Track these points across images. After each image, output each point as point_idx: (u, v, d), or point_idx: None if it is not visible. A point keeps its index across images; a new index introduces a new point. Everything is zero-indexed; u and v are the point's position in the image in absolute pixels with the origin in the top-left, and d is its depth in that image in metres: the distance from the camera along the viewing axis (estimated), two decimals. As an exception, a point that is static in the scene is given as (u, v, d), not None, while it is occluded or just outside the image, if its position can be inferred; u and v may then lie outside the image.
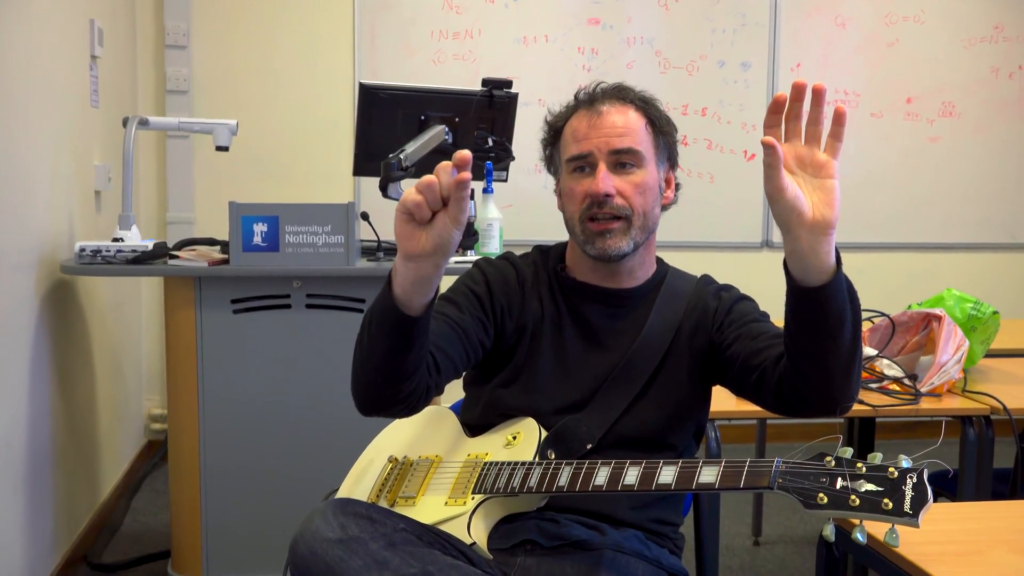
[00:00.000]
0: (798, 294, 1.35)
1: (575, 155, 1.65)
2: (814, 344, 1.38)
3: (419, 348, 1.43)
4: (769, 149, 1.26)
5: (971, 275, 4.77)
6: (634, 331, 1.68)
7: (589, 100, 1.68)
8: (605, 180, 1.61)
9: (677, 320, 1.68)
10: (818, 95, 1.28)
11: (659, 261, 1.78)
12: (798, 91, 1.28)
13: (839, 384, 1.40)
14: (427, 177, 1.28)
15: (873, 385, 2.30)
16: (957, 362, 2.29)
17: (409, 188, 1.31)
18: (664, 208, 1.72)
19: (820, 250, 1.31)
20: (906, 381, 2.30)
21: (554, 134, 1.73)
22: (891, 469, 1.21)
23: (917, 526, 1.17)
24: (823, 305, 1.34)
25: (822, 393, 1.42)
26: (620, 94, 1.69)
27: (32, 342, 2.70)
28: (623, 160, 1.63)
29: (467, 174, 1.26)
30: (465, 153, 1.26)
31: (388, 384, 1.45)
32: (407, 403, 1.50)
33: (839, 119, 1.30)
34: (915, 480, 1.19)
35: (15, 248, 2.59)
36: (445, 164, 1.28)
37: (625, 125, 1.64)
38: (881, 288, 4.59)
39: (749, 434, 3.63)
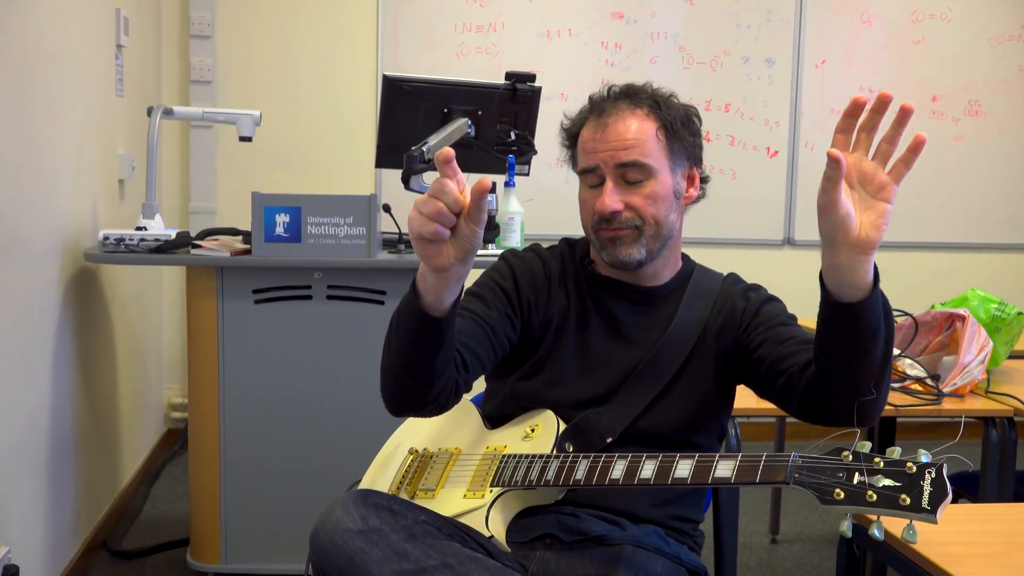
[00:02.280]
0: (832, 308, 1.33)
1: (584, 168, 1.64)
2: (844, 358, 1.37)
3: (447, 348, 1.42)
4: (833, 163, 1.21)
5: (995, 275, 4.73)
6: (660, 327, 1.67)
7: (598, 108, 1.65)
8: (611, 197, 1.59)
9: (704, 318, 1.67)
10: (904, 115, 1.24)
11: (685, 258, 1.77)
12: (883, 103, 1.24)
13: (865, 394, 1.39)
14: (431, 202, 1.22)
15: (895, 384, 2.29)
16: (980, 363, 2.27)
17: (415, 211, 1.24)
18: (689, 205, 1.70)
19: (859, 268, 1.29)
20: (928, 381, 2.28)
21: (571, 139, 1.71)
22: (909, 464, 1.19)
23: (935, 522, 1.16)
24: (857, 322, 1.32)
25: (848, 405, 1.40)
26: (631, 97, 1.64)
27: (55, 329, 2.72)
28: (629, 175, 1.60)
29: (486, 183, 1.19)
30: (446, 152, 1.20)
31: (419, 386, 1.45)
32: (437, 403, 1.50)
33: (916, 147, 1.25)
34: (934, 475, 1.18)
35: (40, 236, 2.60)
36: (440, 182, 1.21)
37: (632, 136, 1.60)
38: (904, 287, 4.56)
39: (768, 432, 3.62)
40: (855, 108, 1.25)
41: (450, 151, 1.21)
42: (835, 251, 1.28)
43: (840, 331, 1.34)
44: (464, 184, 1.23)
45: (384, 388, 1.50)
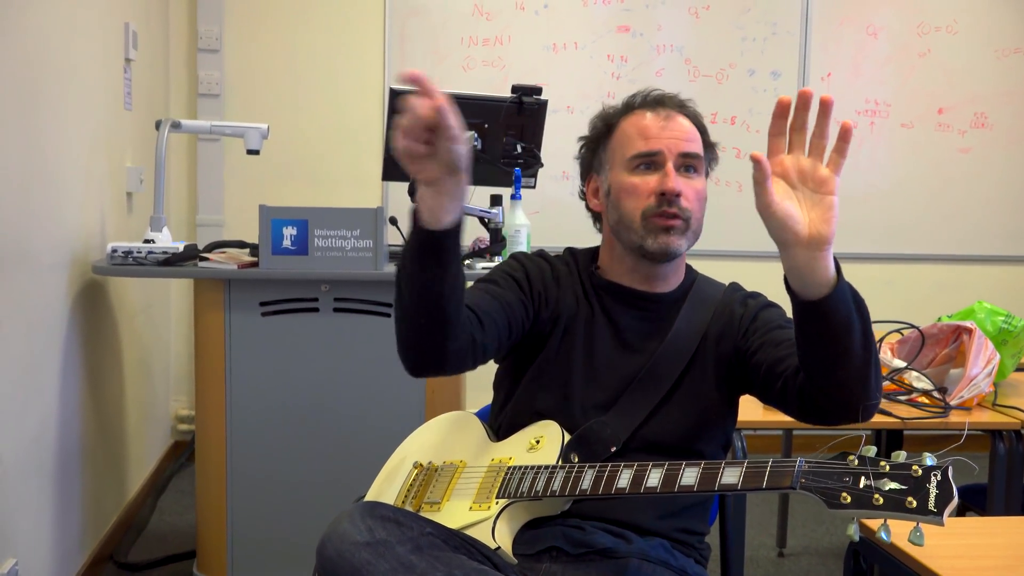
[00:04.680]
0: (801, 308, 1.35)
1: (643, 152, 1.64)
2: (824, 356, 1.38)
3: (453, 277, 1.43)
4: (756, 164, 1.25)
5: (1002, 287, 4.72)
6: (661, 335, 1.67)
7: (656, 101, 1.69)
8: (676, 179, 1.61)
9: (704, 326, 1.68)
10: (825, 107, 1.27)
11: (688, 268, 1.78)
12: (804, 100, 1.27)
13: (856, 391, 1.39)
14: (402, 122, 1.28)
15: (902, 397, 2.29)
16: (987, 375, 2.27)
17: (395, 131, 1.31)
18: None
19: (817, 266, 1.31)
20: (935, 394, 2.28)
21: (608, 129, 1.71)
22: (915, 467, 1.20)
23: (942, 524, 1.16)
24: (827, 317, 1.33)
25: (839, 402, 1.41)
26: (680, 104, 1.70)
27: (63, 341, 2.73)
28: (690, 164, 1.64)
29: (439, 100, 1.26)
30: (409, 72, 1.25)
31: (433, 327, 1.45)
32: (457, 357, 1.50)
33: (845, 135, 1.28)
34: (939, 478, 1.18)
35: (48, 248, 2.62)
36: (411, 100, 1.27)
37: (691, 131, 1.66)
38: (910, 299, 4.57)
39: (775, 444, 3.61)
40: (782, 109, 1.29)
41: (413, 72, 1.25)
42: (790, 252, 1.31)
43: (814, 330, 1.36)
44: (441, 102, 1.27)
45: (401, 344, 1.50)
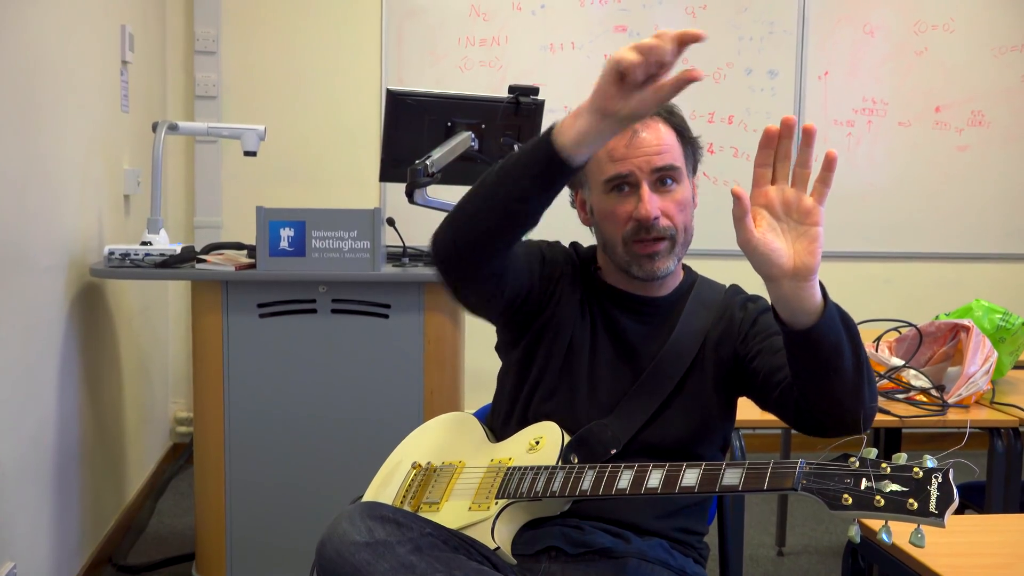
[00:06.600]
0: (791, 337, 1.36)
1: (614, 175, 1.59)
2: (817, 379, 1.39)
3: (544, 203, 1.42)
4: (736, 200, 1.25)
5: (999, 285, 4.72)
6: (662, 338, 1.67)
7: None
8: (651, 203, 1.57)
9: (705, 329, 1.67)
10: (808, 136, 1.26)
11: (687, 269, 1.77)
12: (787, 128, 1.27)
13: (850, 406, 1.40)
14: (650, 41, 1.25)
15: (900, 396, 2.29)
16: (985, 373, 2.27)
17: (626, 48, 1.27)
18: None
19: (804, 295, 1.31)
20: (933, 392, 2.28)
21: None
22: (916, 469, 1.20)
23: (943, 526, 1.16)
24: (817, 343, 1.34)
25: (835, 417, 1.42)
26: None
27: (61, 344, 2.73)
28: (665, 177, 1.59)
29: (700, 74, 1.24)
30: (696, 32, 1.23)
31: (496, 234, 1.45)
32: (484, 281, 1.52)
33: (829, 164, 1.27)
34: (940, 480, 1.18)
35: (45, 251, 2.62)
36: (665, 31, 1.25)
37: (664, 141, 1.59)
38: (908, 297, 4.58)
39: (774, 443, 3.61)
40: (768, 140, 1.28)
41: (697, 33, 1.23)
42: (775, 284, 1.31)
43: (804, 356, 1.37)
44: (676, 57, 1.25)
45: (450, 233, 1.49)
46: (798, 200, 1.29)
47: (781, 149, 1.29)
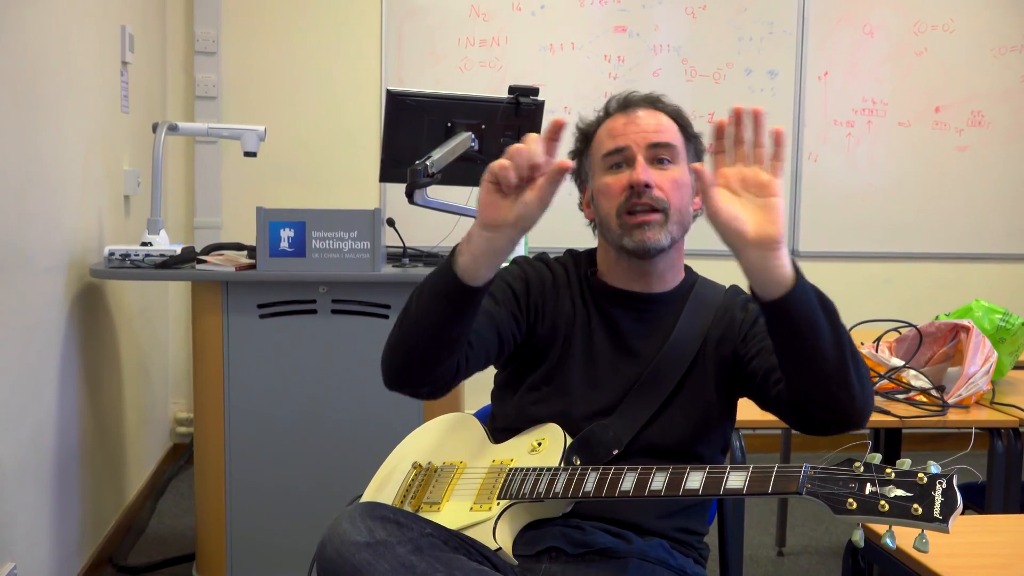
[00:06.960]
0: (765, 311, 1.40)
1: (612, 150, 1.65)
2: (796, 357, 1.41)
3: (466, 324, 1.47)
4: (696, 174, 1.36)
5: (999, 285, 4.72)
6: (662, 337, 1.67)
7: (623, 104, 1.71)
8: (645, 170, 1.62)
9: (705, 329, 1.68)
10: (757, 118, 1.37)
11: (687, 269, 1.78)
12: (737, 117, 1.37)
13: (838, 395, 1.41)
14: (518, 145, 1.35)
15: (900, 396, 2.29)
16: (985, 373, 2.27)
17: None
18: (694, 215, 1.72)
19: (770, 265, 1.35)
20: (933, 392, 2.28)
21: (585, 139, 1.73)
22: (920, 475, 1.21)
23: (947, 531, 1.17)
24: (789, 315, 1.37)
25: (825, 406, 1.43)
26: (652, 101, 1.71)
27: (61, 345, 2.73)
28: (660, 155, 1.64)
29: (569, 163, 1.37)
30: (560, 120, 1.35)
31: (427, 359, 1.49)
32: (435, 384, 1.54)
33: (778, 139, 1.37)
34: (944, 486, 1.19)
35: (45, 251, 2.62)
36: (532, 135, 1.36)
37: (660, 122, 1.67)
38: (908, 298, 4.58)
39: (774, 443, 3.61)
40: (718, 131, 1.38)
41: (562, 120, 1.37)
42: (743, 254, 1.37)
43: (781, 331, 1.41)
44: (569, 166, 1.37)
45: (390, 356, 1.53)
46: (755, 176, 1.38)
47: (737, 135, 1.37)
